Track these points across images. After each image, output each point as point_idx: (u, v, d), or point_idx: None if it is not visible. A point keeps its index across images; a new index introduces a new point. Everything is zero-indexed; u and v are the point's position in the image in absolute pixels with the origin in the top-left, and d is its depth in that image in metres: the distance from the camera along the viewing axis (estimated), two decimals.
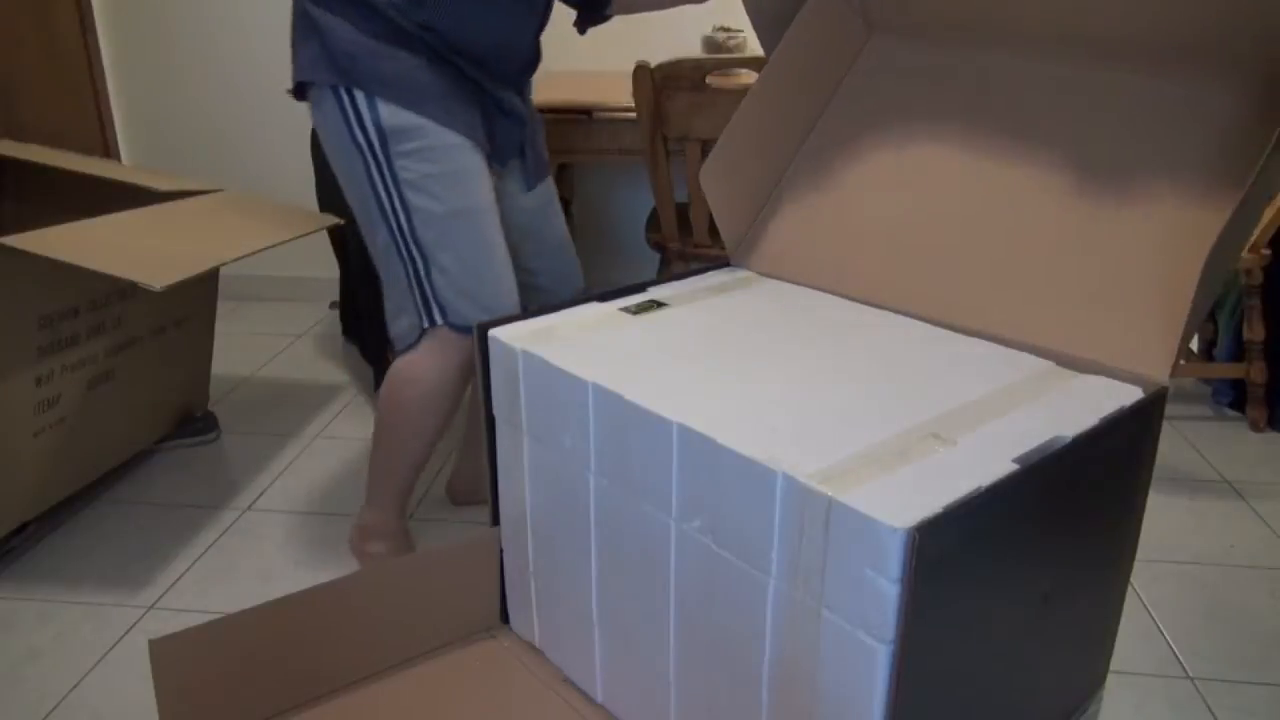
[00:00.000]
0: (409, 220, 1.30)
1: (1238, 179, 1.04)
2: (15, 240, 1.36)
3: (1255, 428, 2.10)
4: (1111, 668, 1.33)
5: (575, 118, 2.12)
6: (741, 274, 1.36)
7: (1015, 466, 0.83)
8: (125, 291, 1.70)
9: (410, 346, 1.37)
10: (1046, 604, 0.97)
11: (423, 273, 1.32)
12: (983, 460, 0.84)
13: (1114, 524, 1.06)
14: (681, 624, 0.99)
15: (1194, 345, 2.44)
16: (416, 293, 1.34)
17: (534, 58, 1.42)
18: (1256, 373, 2.07)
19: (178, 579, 1.54)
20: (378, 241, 1.34)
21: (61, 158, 1.93)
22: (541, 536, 1.17)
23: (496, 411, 1.18)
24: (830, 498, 0.78)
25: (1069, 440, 0.89)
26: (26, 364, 1.53)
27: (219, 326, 2.07)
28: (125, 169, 2.25)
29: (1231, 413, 2.19)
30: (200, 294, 1.95)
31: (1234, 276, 2.20)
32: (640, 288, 1.28)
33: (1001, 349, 1.10)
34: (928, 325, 1.18)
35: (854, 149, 1.35)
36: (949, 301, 1.19)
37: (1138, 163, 1.12)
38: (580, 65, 2.42)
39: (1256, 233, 1.98)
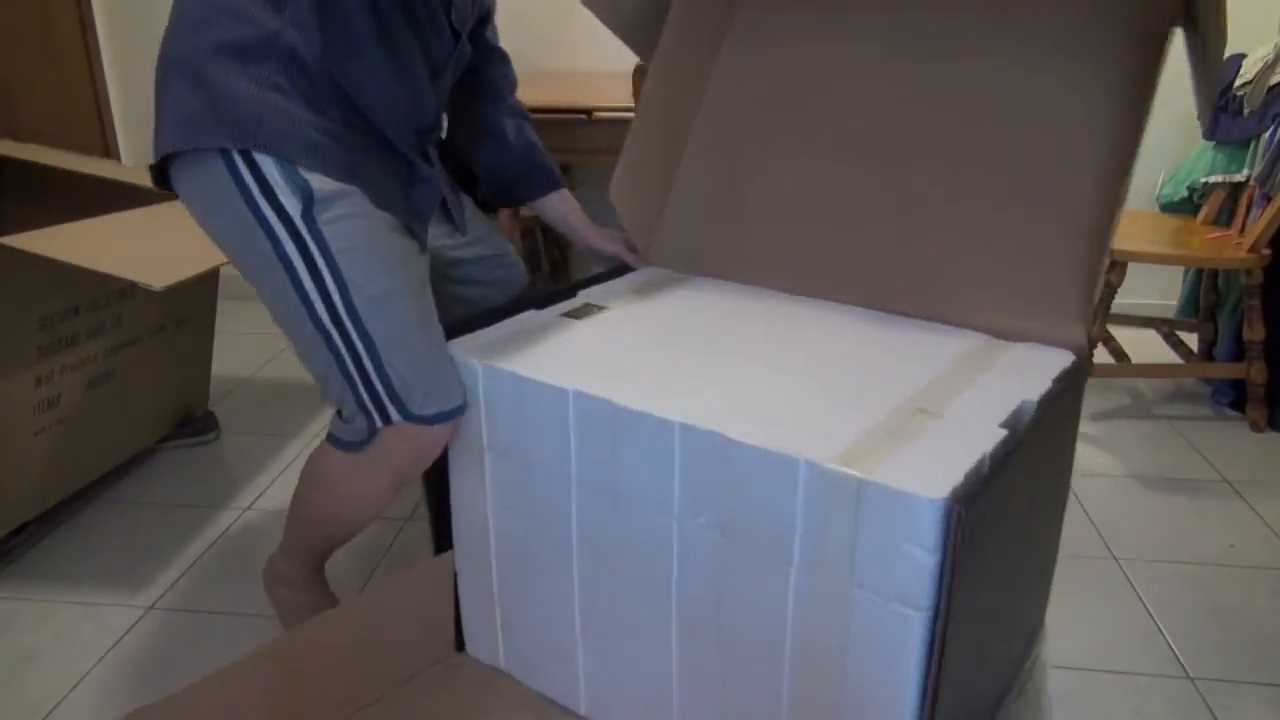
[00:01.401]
0: (346, 299, 1.06)
1: (1120, 150, 1.13)
2: (15, 240, 1.37)
3: (1255, 428, 2.10)
4: (1111, 668, 1.34)
5: (575, 118, 2.12)
6: (660, 273, 1.36)
7: (1004, 431, 0.89)
8: (125, 291, 1.70)
9: (355, 445, 1.15)
10: (1023, 554, 1.03)
11: (367, 362, 1.09)
12: (974, 428, 0.90)
13: (1061, 473, 1.15)
14: (685, 623, 0.99)
15: (1194, 345, 2.44)
16: (362, 387, 1.10)
17: (437, 122, 1.23)
18: (1256, 373, 2.07)
19: (178, 579, 1.54)
20: (303, 332, 1.10)
21: (61, 158, 1.93)
22: (508, 555, 1.14)
23: None
24: (861, 478, 0.81)
25: (1036, 402, 0.96)
26: (26, 364, 1.53)
27: (219, 326, 2.07)
28: (125, 169, 2.25)
29: (1231, 413, 2.19)
30: (200, 294, 1.95)
31: (1234, 276, 2.20)
32: (570, 291, 1.27)
33: (934, 326, 1.16)
34: (856, 309, 1.22)
35: (741, 133, 1.37)
36: (864, 285, 1.23)
37: (1030, 128, 1.19)
38: (580, 65, 2.42)
39: (1257, 232, 1.97)
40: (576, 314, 1.19)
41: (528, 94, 2.20)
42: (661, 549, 0.98)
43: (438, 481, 1.20)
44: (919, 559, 0.79)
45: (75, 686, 1.30)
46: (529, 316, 1.19)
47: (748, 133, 1.36)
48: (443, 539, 1.23)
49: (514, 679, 1.22)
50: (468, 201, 1.38)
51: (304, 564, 1.32)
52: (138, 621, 1.44)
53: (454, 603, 1.24)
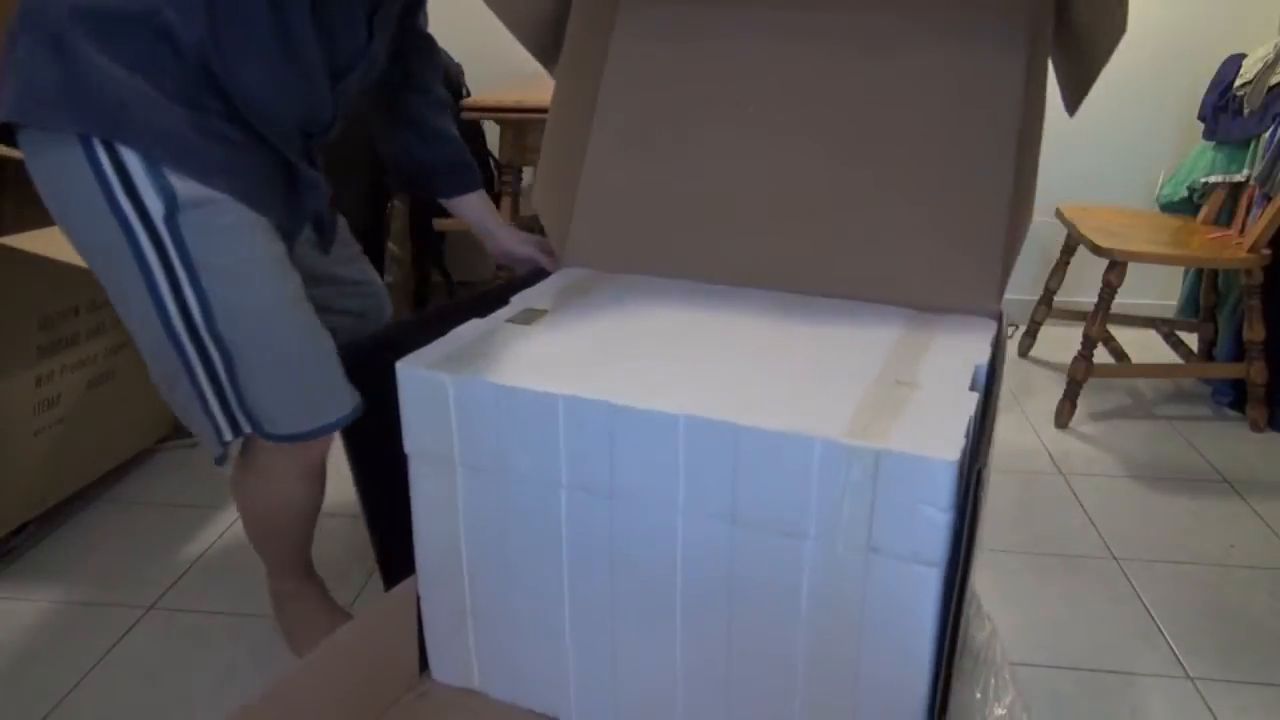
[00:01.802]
0: (206, 314, 1.00)
1: (1026, 129, 1.19)
2: (15, 240, 1.37)
3: (1255, 428, 2.10)
4: (1111, 667, 1.34)
5: None
6: (580, 273, 1.35)
7: (976, 394, 0.95)
8: None
9: (221, 461, 1.11)
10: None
11: (224, 378, 1.03)
12: (951, 394, 0.96)
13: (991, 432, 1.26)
14: (689, 611, 1.00)
15: (1194, 345, 2.44)
16: (214, 400, 1.05)
17: (330, 125, 1.13)
18: (1256, 373, 2.07)
19: (178, 579, 1.54)
20: (151, 335, 1.03)
21: None
22: (483, 571, 1.11)
23: (411, 449, 1.09)
24: (878, 449, 0.85)
25: (985, 367, 1.03)
26: (26, 364, 1.53)
27: None
28: None
29: (1231, 413, 2.20)
30: None
31: (1234, 276, 2.20)
32: (500, 298, 1.23)
33: (865, 305, 1.21)
34: (781, 294, 1.25)
35: (643, 131, 1.38)
36: (787, 272, 1.26)
37: (941, 112, 1.25)
38: None
39: (1257, 232, 1.98)
40: (523, 320, 1.16)
41: (528, 94, 2.21)
42: (665, 545, 0.97)
43: (381, 516, 1.17)
44: (934, 518, 0.84)
45: (75, 686, 1.30)
46: (474, 325, 1.15)
47: (649, 130, 1.37)
48: (391, 570, 1.18)
49: (489, 697, 1.18)
50: (342, 222, 1.29)
51: (286, 570, 1.31)
52: (138, 621, 1.44)
53: (417, 629, 1.19)
